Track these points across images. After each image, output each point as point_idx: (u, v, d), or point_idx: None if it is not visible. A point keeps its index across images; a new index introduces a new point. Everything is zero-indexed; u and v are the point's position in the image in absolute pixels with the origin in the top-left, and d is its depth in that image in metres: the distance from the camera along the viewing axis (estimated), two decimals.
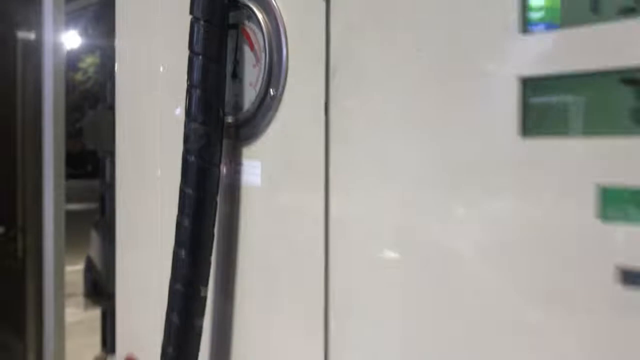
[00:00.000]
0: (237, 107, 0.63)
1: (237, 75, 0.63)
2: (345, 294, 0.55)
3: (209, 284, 0.64)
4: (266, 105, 0.61)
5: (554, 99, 0.41)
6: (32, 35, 2.14)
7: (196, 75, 0.60)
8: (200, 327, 0.64)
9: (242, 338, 0.66)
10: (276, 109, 0.60)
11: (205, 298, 0.63)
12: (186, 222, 0.62)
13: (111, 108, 2.54)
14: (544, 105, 0.42)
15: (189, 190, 0.61)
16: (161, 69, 0.79)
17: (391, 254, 0.51)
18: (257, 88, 0.61)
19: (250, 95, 0.62)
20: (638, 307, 0.37)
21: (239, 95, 0.63)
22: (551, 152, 0.41)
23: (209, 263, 0.63)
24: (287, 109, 0.59)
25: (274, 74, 0.59)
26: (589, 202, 0.39)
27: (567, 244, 0.40)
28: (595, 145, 0.39)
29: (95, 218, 2.53)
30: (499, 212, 0.44)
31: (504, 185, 0.43)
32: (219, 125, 0.62)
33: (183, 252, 0.62)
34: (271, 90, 0.59)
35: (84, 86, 9.21)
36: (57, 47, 1.82)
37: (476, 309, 0.45)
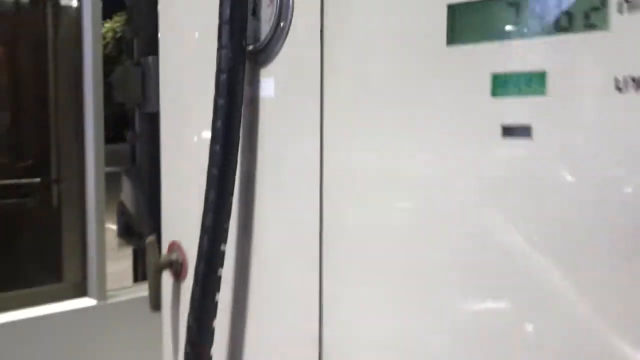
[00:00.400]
0: (256, 38, 0.85)
1: (255, 13, 0.84)
2: (338, 204, 0.77)
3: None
4: (277, 36, 0.82)
5: (468, 17, 0.62)
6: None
7: (225, 13, 0.81)
8: (231, 202, 0.86)
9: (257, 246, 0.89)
10: (285, 38, 0.81)
11: (234, 180, 0.86)
12: (219, 124, 0.84)
13: (137, 64, 2.75)
14: (463, 22, 0.63)
15: (221, 101, 0.83)
16: (197, 35, 0.99)
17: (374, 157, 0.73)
18: (271, 23, 0.82)
19: (265, 29, 0.83)
20: (516, 154, 0.59)
21: (257, 29, 0.85)
22: (465, 54, 0.62)
23: (236, 155, 0.85)
24: (293, 37, 0.81)
25: (283, 11, 0.80)
26: (486, 85, 0.60)
27: (472, 115, 0.61)
28: (491, 47, 0.60)
29: (127, 166, 2.75)
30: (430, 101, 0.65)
31: (434, 81, 0.65)
32: (243, 52, 0.83)
33: (217, 147, 0.84)
34: (281, 23, 0.81)
35: (104, 51, 9.36)
36: (95, 8, 2.02)
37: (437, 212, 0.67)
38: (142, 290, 2.10)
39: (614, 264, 0.52)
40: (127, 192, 2.78)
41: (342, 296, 0.78)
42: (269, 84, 0.85)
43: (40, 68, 2.87)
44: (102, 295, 1.99)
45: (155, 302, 1.04)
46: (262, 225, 0.89)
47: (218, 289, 0.88)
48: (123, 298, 2.04)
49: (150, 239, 1.04)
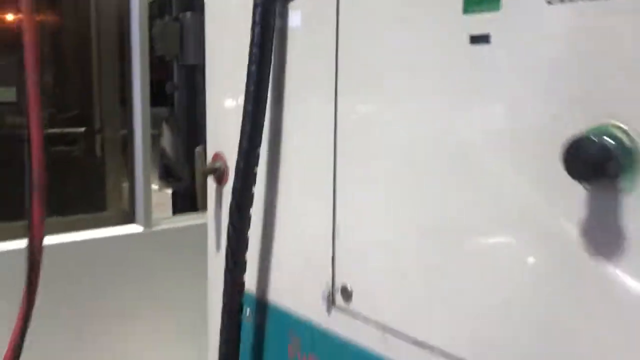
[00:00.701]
0: None
1: None
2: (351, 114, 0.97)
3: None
4: None
5: None
6: None
7: None
8: (265, 112, 1.07)
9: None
10: None
11: (267, 94, 1.07)
12: (255, 49, 1.05)
13: (176, 19, 2.96)
14: None
15: (258, 28, 1.03)
16: None
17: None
18: None
19: None
20: (480, 57, 0.78)
21: None
22: None
23: (269, 74, 1.06)
24: None
25: None
26: (459, 5, 0.79)
27: (449, 29, 0.81)
28: None
29: (166, 114, 2.99)
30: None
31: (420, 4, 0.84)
32: None
33: (253, 67, 1.05)
34: None
35: None
36: None
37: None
38: (182, 220, 2.35)
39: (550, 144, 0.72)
40: (167, 139, 3.03)
41: (352, 199, 0.99)
42: (297, 16, 1.05)
43: (83, 24, 3.10)
44: (148, 222, 2.24)
45: (202, 201, 1.27)
46: (287, 131, 1.10)
47: (254, 183, 1.10)
48: (166, 226, 2.29)
49: (199, 149, 1.26)
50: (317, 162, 1.04)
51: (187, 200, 2.71)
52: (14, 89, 3.74)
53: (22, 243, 1.53)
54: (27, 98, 1.11)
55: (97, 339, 2.15)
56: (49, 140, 3.36)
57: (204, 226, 1.35)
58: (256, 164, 1.09)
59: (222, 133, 1.27)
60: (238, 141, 1.09)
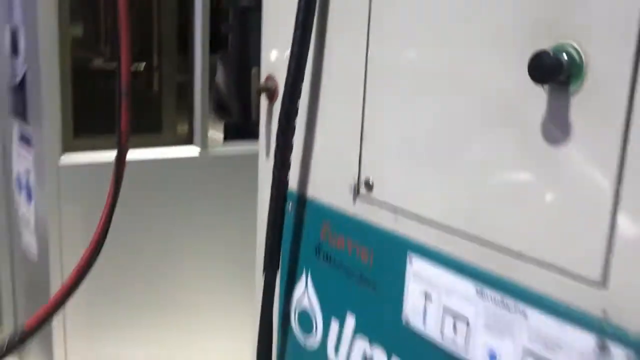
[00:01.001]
0: None
1: None
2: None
3: None
4: None
5: None
6: None
7: None
8: (310, 39, 1.31)
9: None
10: None
11: (312, 23, 1.30)
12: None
13: None
14: None
15: None
16: None
17: None
18: None
19: None
20: None
21: None
22: None
23: (315, 5, 1.30)
24: None
25: None
26: None
27: None
28: None
29: (221, 53, 3.25)
30: None
31: None
32: None
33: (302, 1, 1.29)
34: None
35: None
36: None
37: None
38: (237, 146, 2.62)
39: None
40: (220, 75, 3.30)
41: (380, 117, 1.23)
42: None
43: None
44: (204, 144, 2.53)
45: (256, 114, 1.53)
46: (328, 55, 1.34)
47: (299, 98, 1.35)
48: (221, 150, 2.58)
49: (254, 70, 1.51)
50: (350, 82, 1.28)
51: (238, 131, 2.99)
52: (80, 26, 4.06)
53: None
54: (118, 22, 1.38)
55: (149, 252, 2.47)
56: (114, 75, 3.67)
57: (255, 157, 1.61)
58: (301, 80, 1.34)
59: (275, 56, 1.51)
60: (287, 63, 1.34)
